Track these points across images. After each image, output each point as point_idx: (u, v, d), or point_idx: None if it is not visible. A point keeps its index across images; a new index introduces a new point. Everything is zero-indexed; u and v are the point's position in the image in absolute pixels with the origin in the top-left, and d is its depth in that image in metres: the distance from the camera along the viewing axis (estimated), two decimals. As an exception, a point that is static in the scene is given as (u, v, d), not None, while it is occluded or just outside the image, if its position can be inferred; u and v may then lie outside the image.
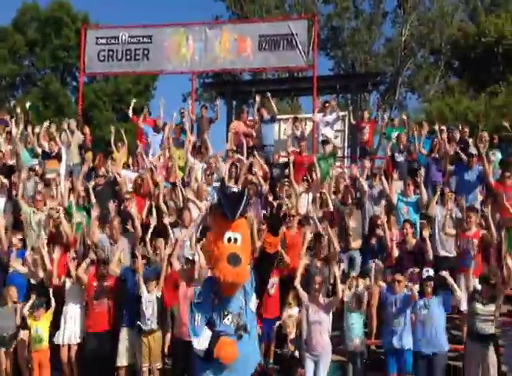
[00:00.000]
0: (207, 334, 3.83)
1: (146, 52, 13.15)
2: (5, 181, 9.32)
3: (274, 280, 7.19)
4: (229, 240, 3.78)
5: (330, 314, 6.44)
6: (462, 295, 6.60)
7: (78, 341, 7.02)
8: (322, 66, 36.01)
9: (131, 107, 12.00)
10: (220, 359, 3.76)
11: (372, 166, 9.97)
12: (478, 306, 6.18)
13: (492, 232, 7.23)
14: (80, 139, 11.15)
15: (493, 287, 6.25)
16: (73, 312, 7.07)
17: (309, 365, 6.26)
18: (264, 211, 8.67)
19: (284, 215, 7.76)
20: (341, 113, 12.41)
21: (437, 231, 7.91)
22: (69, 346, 7.01)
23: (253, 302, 4.07)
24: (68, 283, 7.14)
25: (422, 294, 6.30)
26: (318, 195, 8.45)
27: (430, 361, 6.14)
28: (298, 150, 10.34)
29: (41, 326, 6.93)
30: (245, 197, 3.88)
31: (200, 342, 3.82)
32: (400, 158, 9.98)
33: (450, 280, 6.36)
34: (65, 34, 25.19)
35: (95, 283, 6.95)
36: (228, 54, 12.73)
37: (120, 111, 23.02)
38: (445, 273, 6.42)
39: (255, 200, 8.71)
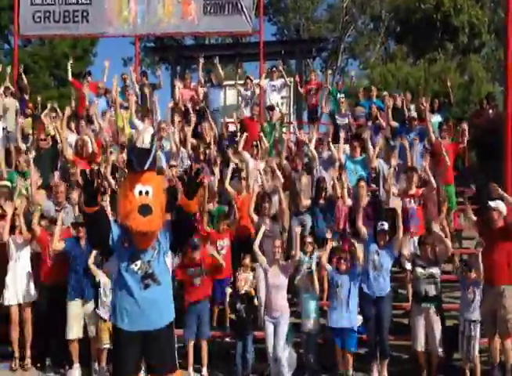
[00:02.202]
0: None
1: (85, 13, 12.58)
2: None
3: (224, 242, 7.23)
4: (140, 193, 3.78)
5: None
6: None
7: (30, 299, 6.72)
8: (266, 32, 35.77)
9: (69, 70, 11.52)
10: None
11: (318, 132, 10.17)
12: (419, 270, 6.35)
13: (432, 182, 7.41)
14: (16, 104, 10.78)
15: (432, 250, 6.41)
16: (21, 269, 6.77)
17: (269, 327, 6.30)
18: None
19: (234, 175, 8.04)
20: (288, 79, 12.46)
21: (381, 186, 8.22)
22: (19, 305, 6.70)
23: (168, 256, 4.03)
24: (12, 241, 6.76)
25: (377, 244, 6.43)
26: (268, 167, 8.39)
27: (376, 303, 6.31)
28: (250, 116, 10.36)
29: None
30: (153, 151, 3.86)
31: None
32: (342, 121, 10.46)
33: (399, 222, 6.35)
34: (-5, -7, 23.59)
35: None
36: (172, 17, 12.39)
37: (57, 76, 22.08)
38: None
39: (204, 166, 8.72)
